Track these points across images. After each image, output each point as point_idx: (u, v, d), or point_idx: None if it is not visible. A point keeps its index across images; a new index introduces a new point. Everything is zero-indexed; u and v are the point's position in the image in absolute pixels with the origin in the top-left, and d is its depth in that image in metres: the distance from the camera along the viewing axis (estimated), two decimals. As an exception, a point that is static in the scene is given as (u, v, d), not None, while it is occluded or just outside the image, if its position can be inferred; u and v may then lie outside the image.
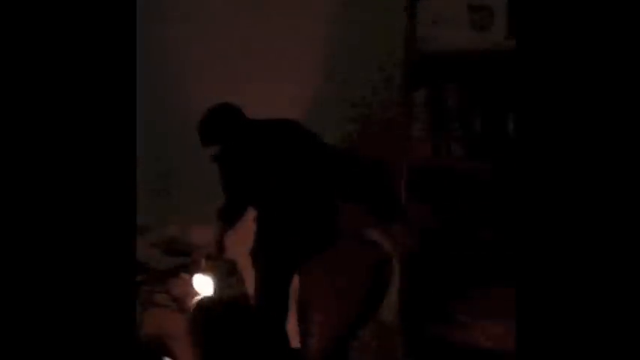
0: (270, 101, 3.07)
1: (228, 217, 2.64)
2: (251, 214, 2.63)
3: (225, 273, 2.71)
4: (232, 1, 3.22)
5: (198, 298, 2.63)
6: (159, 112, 3.31)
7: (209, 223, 2.76)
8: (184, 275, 2.91)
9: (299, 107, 3.06)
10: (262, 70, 3.17)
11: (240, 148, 2.39)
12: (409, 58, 2.40)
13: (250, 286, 2.63)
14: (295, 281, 2.50)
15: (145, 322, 2.93)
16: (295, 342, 2.54)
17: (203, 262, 2.61)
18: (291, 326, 2.56)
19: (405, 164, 2.43)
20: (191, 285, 2.64)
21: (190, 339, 2.57)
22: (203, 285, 2.60)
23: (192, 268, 2.87)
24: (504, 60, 1.97)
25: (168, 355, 2.73)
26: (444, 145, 2.36)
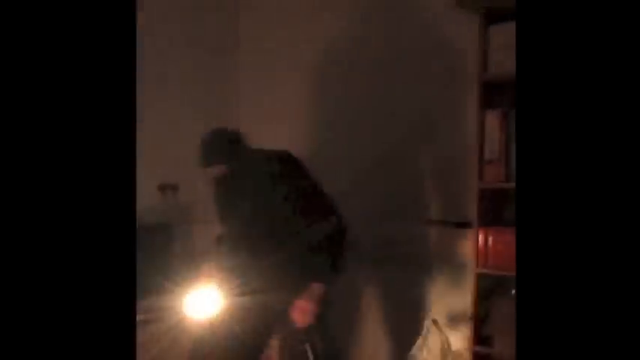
0: (343, 121, 3.12)
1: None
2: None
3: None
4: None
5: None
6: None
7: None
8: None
9: (370, 126, 3.11)
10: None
11: (241, 172, 2.33)
12: (481, 82, 2.44)
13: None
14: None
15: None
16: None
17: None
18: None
19: (478, 187, 2.44)
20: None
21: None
22: (192, 307, 2.43)
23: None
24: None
25: None
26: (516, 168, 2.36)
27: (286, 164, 2.39)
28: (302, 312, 2.32)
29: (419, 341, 2.65)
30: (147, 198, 3.05)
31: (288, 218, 2.32)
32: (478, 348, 2.48)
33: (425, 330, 2.64)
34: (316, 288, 2.32)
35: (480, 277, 2.46)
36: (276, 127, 3.26)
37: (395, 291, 3.02)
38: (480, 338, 2.48)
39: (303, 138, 3.28)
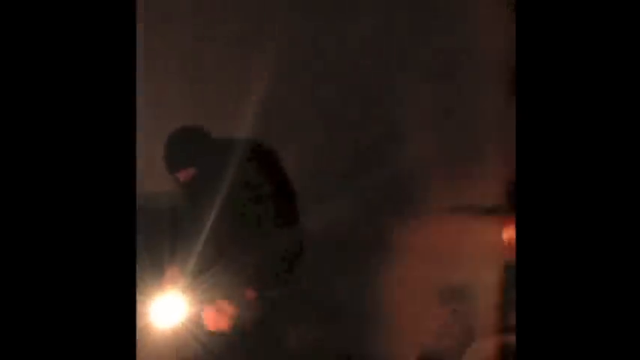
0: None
1: None
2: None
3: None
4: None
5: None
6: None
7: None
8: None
9: (386, 113, 3.05)
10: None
11: (210, 172, 2.15)
12: (513, 64, 2.37)
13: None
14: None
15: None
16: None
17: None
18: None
19: (507, 175, 2.40)
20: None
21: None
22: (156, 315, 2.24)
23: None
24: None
25: None
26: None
27: (257, 159, 2.20)
28: (219, 315, 2.11)
29: (441, 331, 2.64)
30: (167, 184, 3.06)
31: (254, 221, 2.16)
32: (503, 337, 2.46)
33: (447, 319, 2.63)
34: (248, 294, 2.13)
35: (507, 266, 2.44)
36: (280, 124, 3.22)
37: (417, 281, 3.00)
38: (505, 327, 2.46)
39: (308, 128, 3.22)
